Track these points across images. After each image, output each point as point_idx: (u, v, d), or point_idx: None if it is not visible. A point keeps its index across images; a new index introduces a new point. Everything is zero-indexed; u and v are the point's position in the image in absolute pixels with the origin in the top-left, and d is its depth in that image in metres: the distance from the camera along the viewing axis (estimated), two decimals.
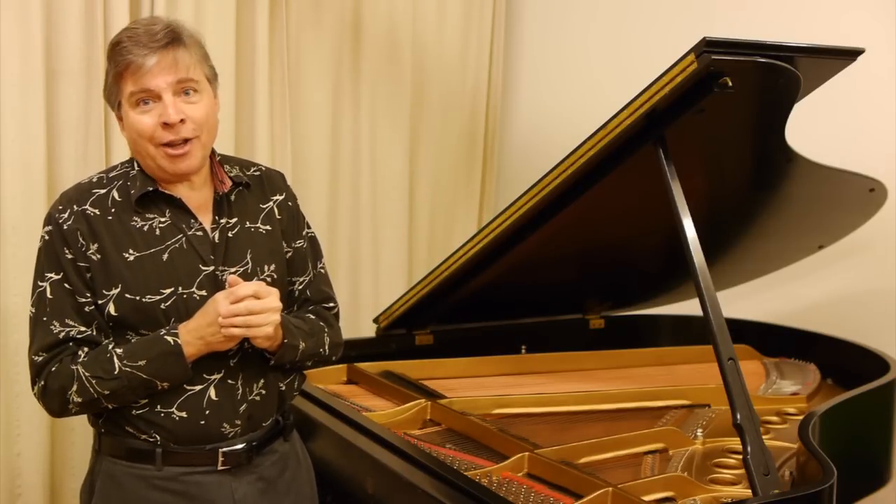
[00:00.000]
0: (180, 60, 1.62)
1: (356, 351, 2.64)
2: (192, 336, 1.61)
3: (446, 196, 3.90)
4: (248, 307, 1.59)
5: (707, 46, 1.79)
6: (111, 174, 1.73)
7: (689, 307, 2.79)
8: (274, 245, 1.78)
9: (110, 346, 1.64)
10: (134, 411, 1.66)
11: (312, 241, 1.90)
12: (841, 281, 3.08)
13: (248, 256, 1.72)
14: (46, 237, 1.67)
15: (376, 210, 3.67)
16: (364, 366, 2.58)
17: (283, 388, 1.80)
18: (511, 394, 2.46)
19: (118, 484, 1.69)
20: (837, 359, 2.75)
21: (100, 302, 1.65)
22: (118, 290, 1.64)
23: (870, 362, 2.56)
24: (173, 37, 1.63)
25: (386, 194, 3.67)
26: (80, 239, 1.64)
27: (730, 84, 1.86)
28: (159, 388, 1.63)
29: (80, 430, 2.91)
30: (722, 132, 2.16)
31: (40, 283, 1.66)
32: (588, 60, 3.79)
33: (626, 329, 3.11)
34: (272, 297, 1.64)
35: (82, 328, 1.65)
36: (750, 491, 1.70)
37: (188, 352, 1.61)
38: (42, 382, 1.65)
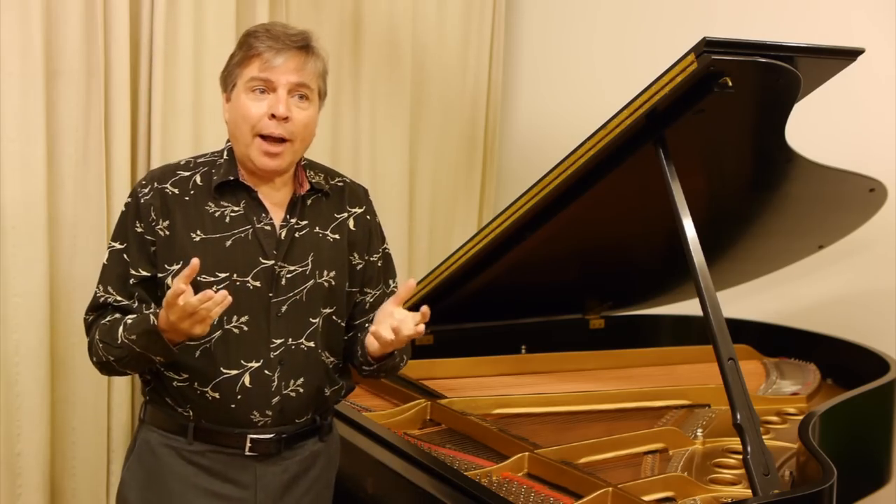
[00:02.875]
0: (306, 66, 1.70)
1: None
2: (162, 321, 1.62)
3: (446, 196, 3.90)
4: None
5: (707, 46, 1.79)
6: (199, 160, 1.79)
7: (689, 307, 2.80)
8: (338, 255, 1.81)
9: (127, 317, 1.71)
10: (175, 384, 1.72)
11: (387, 258, 1.94)
12: (841, 281, 3.08)
13: (310, 258, 1.76)
14: (124, 208, 1.77)
15: (376, 209, 3.66)
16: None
17: (328, 392, 1.82)
18: (511, 394, 2.46)
19: (152, 451, 1.76)
20: (837, 359, 2.76)
21: (160, 275, 1.72)
22: (179, 266, 1.69)
23: (870, 362, 2.56)
24: (306, 42, 1.71)
25: (386, 194, 3.67)
26: (152, 213, 1.72)
27: (730, 84, 1.87)
28: (157, 360, 1.67)
29: (80, 429, 2.91)
30: (722, 132, 2.16)
31: (110, 244, 1.78)
32: (588, 60, 3.79)
33: (626, 329, 3.11)
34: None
35: (118, 297, 1.74)
36: (750, 491, 1.70)
37: (167, 336, 1.62)
38: (88, 339, 1.76)
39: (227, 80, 1.74)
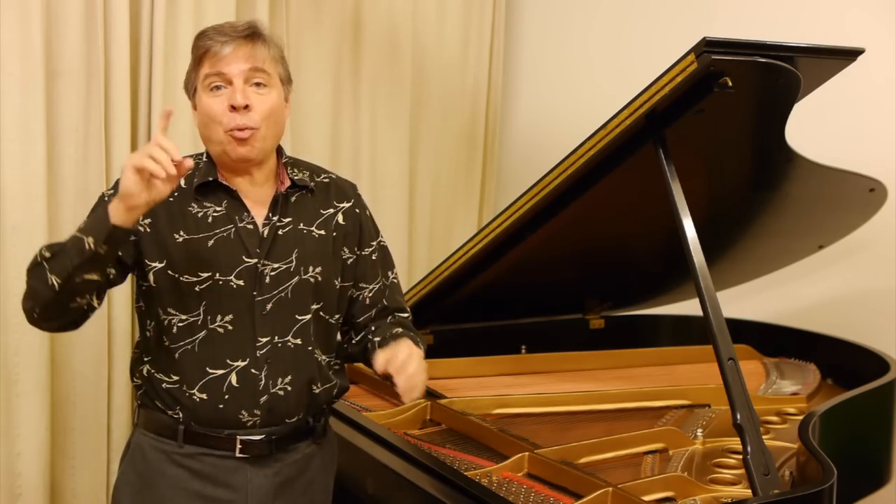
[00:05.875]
0: (256, 53, 1.70)
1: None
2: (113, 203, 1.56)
3: (446, 196, 3.90)
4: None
5: (707, 46, 1.79)
6: None
7: (689, 307, 2.80)
8: (323, 249, 1.79)
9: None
10: (164, 385, 1.72)
11: (384, 250, 1.93)
12: (841, 281, 3.08)
13: (294, 255, 1.75)
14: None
15: (376, 210, 3.60)
16: (364, 366, 2.57)
17: (318, 391, 1.80)
18: (511, 394, 2.46)
19: (143, 455, 1.76)
20: (837, 359, 2.75)
21: (137, 266, 1.72)
22: (162, 265, 1.70)
23: (870, 362, 2.56)
24: (253, 31, 1.71)
25: (386, 194, 3.67)
26: None
27: (730, 84, 1.86)
28: (86, 246, 1.54)
29: (80, 429, 2.91)
30: (722, 132, 2.16)
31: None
32: (588, 61, 3.79)
33: (626, 329, 3.11)
34: None
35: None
36: (750, 491, 1.70)
37: (115, 217, 1.54)
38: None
39: (189, 87, 1.76)
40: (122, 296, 2.93)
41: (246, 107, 1.67)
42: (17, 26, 2.71)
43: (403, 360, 1.68)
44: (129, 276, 1.77)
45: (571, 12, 3.86)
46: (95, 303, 1.67)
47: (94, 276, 1.59)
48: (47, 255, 1.59)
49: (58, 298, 1.59)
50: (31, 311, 1.65)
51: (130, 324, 2.96)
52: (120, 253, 1.65)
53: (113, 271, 1.67)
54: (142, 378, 1.76)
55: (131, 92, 2.93)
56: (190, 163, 1.56)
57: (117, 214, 1.54)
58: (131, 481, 1.77)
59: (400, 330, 1.85)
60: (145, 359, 1.76)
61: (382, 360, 1.70)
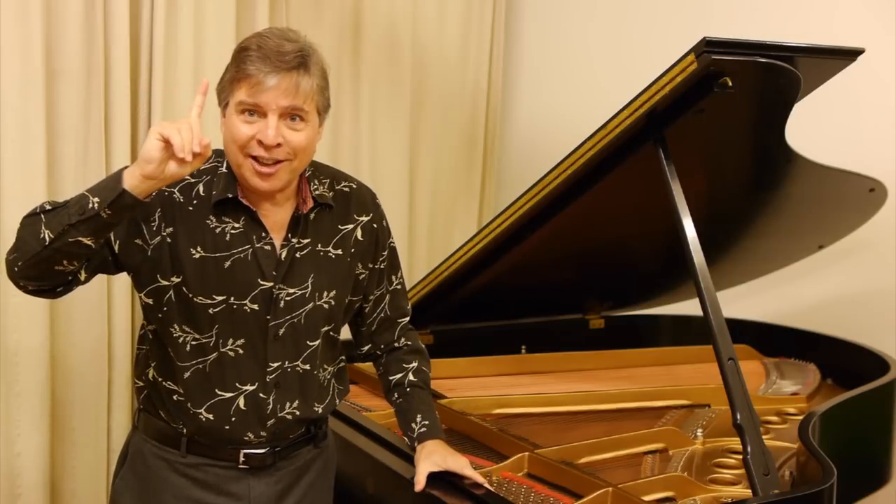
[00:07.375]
0: (299, 88, 1.60)
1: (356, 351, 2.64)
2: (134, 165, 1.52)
3: (446, 196, 3.90)
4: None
5: (707, 46, 1.79)
6: (202, 166, 1.66)
7: (689, 307, 2.80)
8: (339, 271, 1.76)
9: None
10: (175, 397, 1.69)
11: (392, 253, 1.88)
12: (841, 281, 3.08)
13: (310, 280, 1.71)
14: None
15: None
16: (364, 366, 2.57)
17: (321, 410, 1.79)
18: (511, 394, 2.46)
19: (144, 461, 1.74)
20: (837, 359, 2.75)
21: (152, 283, 1.66)
22: (178, 280, 1.65)
23: (870, 362, 2.56)
24: (300, 62, 1.60)
25: (386, 194, 3.64)
26: (157, 218, 1.64)
27: (730, 84, 1.87)
28: (90, 205, 1.49)
29: (80, 429, 2.91)
30: (722, 132, 2.16)
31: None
32: (588, 61, 3.79)
33: (626, 329, 3.11)
34: None
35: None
36: (750, 491, 1.70)
37: (128, 182, 1.49)
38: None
39: (221, 97, 1.66)
40: (122, 296, 2.93)
41: (278, 144, 1.59)
42: (17, 26, 2.70)
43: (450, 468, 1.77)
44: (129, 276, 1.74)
45: (571, 12, 3.86)
46: (82, 276, 1.62)
47: (88, 241, 1.51)
48: (48, 208, 1.54)
49: (43, 255, 1.52)
50: (14, 263, 1.57)
51: (130, 324, 2.96)
52: (113, 237, 1.60)
53: (106, 255, 1.62)
54: (147, 381, 1.74)
55: (131, 92, 2.93)
56: (209, 152, 1.50)
57: (131, 179, 1.48)
58: (132, 486, 1.76)
59: (414, 390, 1.92)
60: (151, 363, 1.73)
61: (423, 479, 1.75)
